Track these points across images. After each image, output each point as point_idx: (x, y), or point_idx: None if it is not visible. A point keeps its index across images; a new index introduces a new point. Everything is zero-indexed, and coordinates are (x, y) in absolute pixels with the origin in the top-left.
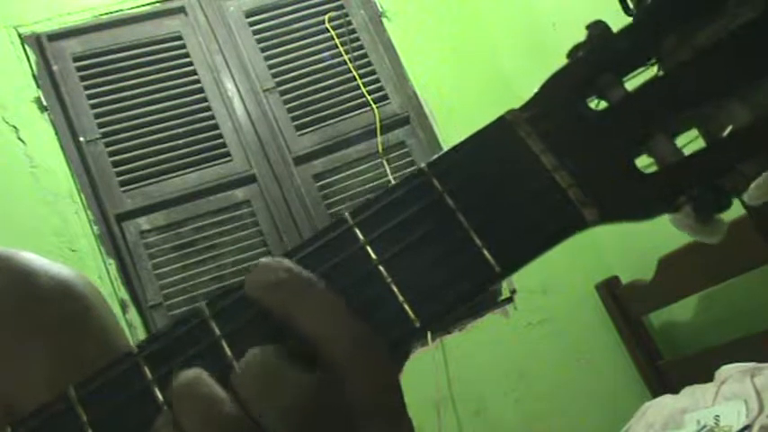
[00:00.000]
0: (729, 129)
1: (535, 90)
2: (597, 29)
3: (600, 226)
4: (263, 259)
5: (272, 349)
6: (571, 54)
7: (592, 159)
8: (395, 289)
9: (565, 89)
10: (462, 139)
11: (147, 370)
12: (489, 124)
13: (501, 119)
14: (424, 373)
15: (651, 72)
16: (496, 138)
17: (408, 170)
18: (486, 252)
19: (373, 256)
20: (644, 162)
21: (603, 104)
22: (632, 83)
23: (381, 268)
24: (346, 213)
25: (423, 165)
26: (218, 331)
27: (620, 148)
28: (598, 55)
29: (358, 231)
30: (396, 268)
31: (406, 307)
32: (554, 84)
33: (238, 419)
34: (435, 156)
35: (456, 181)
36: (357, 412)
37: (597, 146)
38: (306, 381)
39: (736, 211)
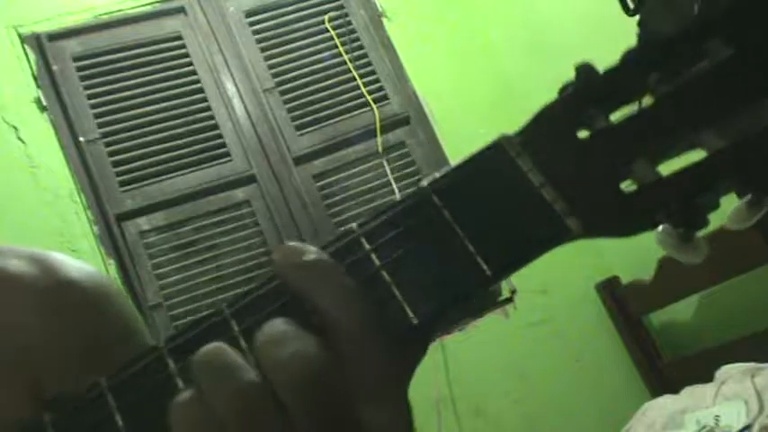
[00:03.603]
0: (705, 153)
1: (527, 120)
2: (584, 68)
3: (585, 239)
4: (290, 243)
5: (290, 321)
6: (561, 90)
7: (576, 178)
8: (395, 290)
9: (554, 120)
10: (462, 140)
11: (170, 361)
12: (484, 146)
13: (494, 142)
14: (424, 373)
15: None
16: (490, 158)
17: (408, 170)
18: (478, 258)
19: (377, 261)
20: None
21: (589, 133)
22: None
23: (384, 272)
24: (354, 224)
25: (424, 183)
26: (236, 328)
27: (602, 170)
28: (584, 92)
29: (363, 240)
30: (397, 272)
31: (406, 306)
32: (544, 115)
33: (259, 386)
34: (436, 175)
35: (453, 196)
36: (357, 395)
37: (581, 167)
38: (318, 347)
39: None
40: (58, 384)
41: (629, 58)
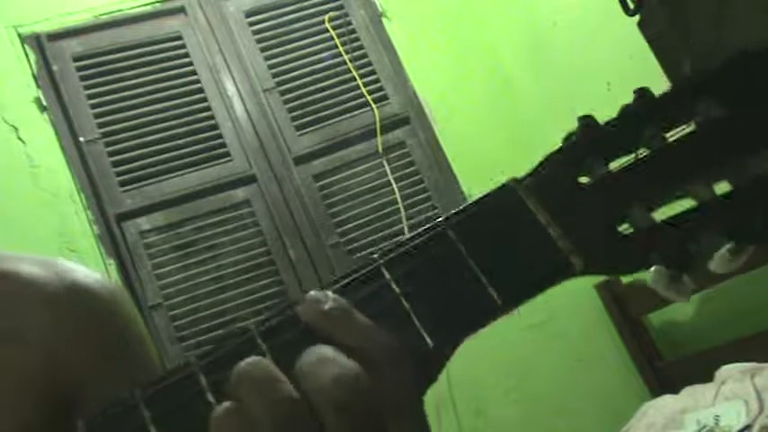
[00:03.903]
0: (695, 203)
1: (534, 165)
2: (586, 120)
3: (586, 275)
4: (312, 292)
5: (331, 347)
6: (565, 139)
7: (579, 220)
8: (413, 317)
9: (558, 166)
10: (462, 140)
11: (202, 377)
12: (495, 188)
13: (505, 184)
14: None
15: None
16: (501, 198)
17: (408, 170)
18: (490, 289)
19: (396, 290)
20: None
21: (590, 179)
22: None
23: (403, 300)
24: (375, 255)
25: (440, 218)
26: (263, 346)
27: (602, 214)
28: (585, 142)
29: (384, 270)
30: (414, 300)
31: (423, 332)
32: (550, 161)
33: (298, 401)
34: (451, 212)
35: (468, 231)
36: (387, 413)
37: (583, 210)
38: (360, 370)
39: None
40: (73, 383)
41: (627, 112)
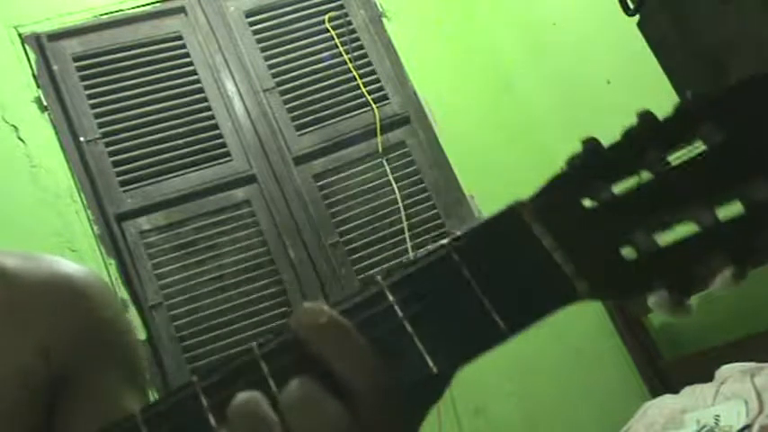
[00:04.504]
0: (698, 227)
1: (539, 187)
2: (590, 143)
3: (590, 301)
4: (306, 303)
5: (313, 380)
6: (568, 162)
7: (583, 245)
8: (417, 341)
9: (562, 189)
10: (462, 140)
11: (203, 398)
12: (500, 211)
13: (510, 207)
14: None
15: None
16: (505, 222)
17: (408, 170)
18: (494, 314)
19: (400, 313)
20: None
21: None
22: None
23: (406, 324)
24: (378, 277)
25: (445, 240)
26: (265, 369)
27: (606, 238)
28: (589, 166)
29: (388, 292)
30: (418, 324)
31: (426, 357)
32: (554, 184)
33: None
34: (456, 233)
35: (472, 255)
36: None
37: (587, 234)
38: (341, 411)
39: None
40: (61, 371)
41: (630, 136)
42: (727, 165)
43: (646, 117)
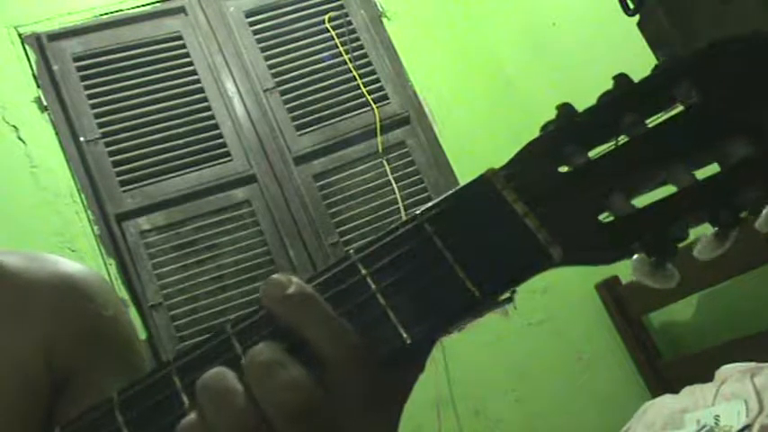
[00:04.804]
0: (675, 189)
1: (512, 155)
2: (564, 108)
3: (565, 266)
4: (275, 275)
5: (275, 345)
6: (543, 128)
7: (558, 210)
8: (390, 313)
9: (536, 155)
10: (462, 140)
11: (176, 379)
12: (471, 180)
13: (481, 176)
14: (425, 373)
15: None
16: (477, 190)
17: (408, 170)
18: (468, 282)
19: (372, 285)
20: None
21: (569, 168)
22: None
23: (379, 295)
24: (351, 250)
25: (417, 212)
26: (238, 348)
27: (581, 203)
28: (564, 130)
29: (360, 265)
30: (391, 295)
31: (399, 327)
32: (528, 150)
33: (252, 411)
34: (427, 205)
35: (443, 224)
36: (346, 415)
37: (562, 200)
38: (305, 376)
39: None
40: (62, 369)
41: (606, 100)
42: (705, 124)
43: (621, 80)
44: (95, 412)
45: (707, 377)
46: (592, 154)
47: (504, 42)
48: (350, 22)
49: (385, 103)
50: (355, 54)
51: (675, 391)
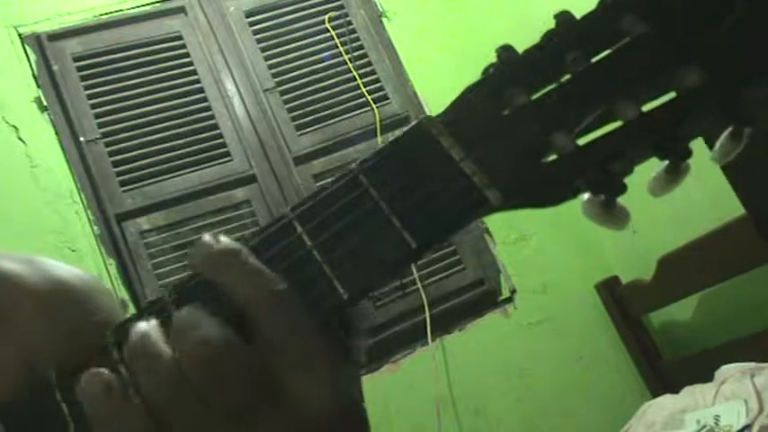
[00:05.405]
0: (620, 122)
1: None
2: (504, 50)
3: (510, 210)
4: (204, 235)
5: (201, 306)
6: (484, 71)
7: (496, 152)
8: (326, 268)
9: (475, 99)
10: None
11: (114, 352)
12: (407, 127)
13: (417, 122)
14: (424, 373)
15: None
16: (412, 137)
17: None
18: (404, 232)
19: (308, 242)
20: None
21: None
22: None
23: (315, 252)
24: (287, 209)
25: (352, 165)
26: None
27: (522, 143)
28: (504, 72)
29: (296, 223)
30: (327, 251)
31: (336, 283)
32: (466, 95)
33: (173, 371)
34: (363, 156)
35: (379, 175)
36: (279, 366)
37: (502, 142)
38: (228, 333)
39: (735, 210)
40: (47, 366)
41: (547, 38)
42: (651, 55)
43: (563, 17)
44: (37, 400)
45: (707, 377)
46: (535, 95)
47: (504, 42)
48: (350, 22)
49: (385, 103)
50: (355, 54)
51: (675, 391)
